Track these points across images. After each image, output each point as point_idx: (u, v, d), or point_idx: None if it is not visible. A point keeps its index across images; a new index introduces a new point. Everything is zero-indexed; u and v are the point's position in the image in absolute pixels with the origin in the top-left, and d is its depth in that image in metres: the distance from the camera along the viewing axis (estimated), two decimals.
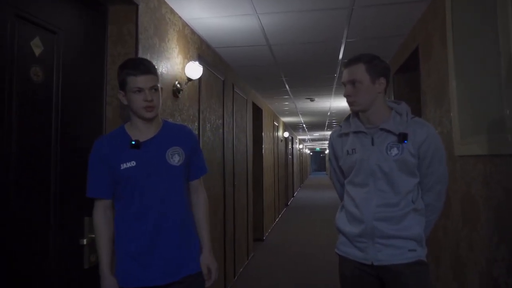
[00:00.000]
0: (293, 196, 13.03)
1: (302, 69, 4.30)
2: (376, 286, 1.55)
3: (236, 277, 4.25)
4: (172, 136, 1.56)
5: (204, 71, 3.06)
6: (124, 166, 1.45)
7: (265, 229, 6.54)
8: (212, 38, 3.12)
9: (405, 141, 1.50)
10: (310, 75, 4.58)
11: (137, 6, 1.97)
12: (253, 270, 4.70)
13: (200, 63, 2.77)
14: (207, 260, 1.61)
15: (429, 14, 2.52)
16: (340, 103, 6.67)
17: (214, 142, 3.40)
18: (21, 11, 1.40)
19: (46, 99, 1.54)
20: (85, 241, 1.70)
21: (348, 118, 1.69)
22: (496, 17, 1.56)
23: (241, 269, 4.53)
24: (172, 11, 2.46)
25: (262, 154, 6.42)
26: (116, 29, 1.97)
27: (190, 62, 2.60)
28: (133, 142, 1.47)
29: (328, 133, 10.55)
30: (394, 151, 1.51)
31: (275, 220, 7.95)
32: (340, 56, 3.70)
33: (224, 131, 3.75)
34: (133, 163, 1.46)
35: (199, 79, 2.90)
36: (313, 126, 11.68)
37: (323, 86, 5.33)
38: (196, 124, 2.90)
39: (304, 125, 11.26)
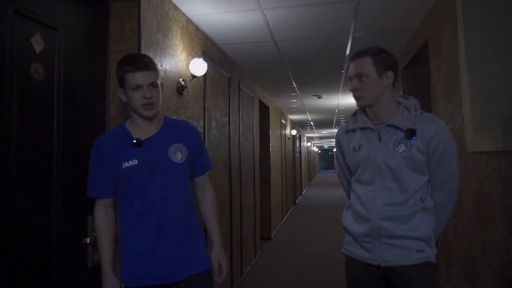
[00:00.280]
0: (301, 195, 12.97)
1: (309, 66, 4.24)
2: (383, 287, 1.51)
3: (243, 276, 4.23)
4: (174, 133, 1.53)
5: (209, 68, 3.03)
6: (126, 164, 1.43)
7: (273, 227, 6.50)
8: (217, 35, 3.09)
9: (413, 137, 1.45)
10: (317, 71, 4.52)
11: (139, 2, 1.95)
12: (260, 269, 4.67)
13: (204, 60, 2.74)
14: (218, 255, 1.59)
15: (439, 5, 2.45)
16: (348, 100, 6.59)
17: (220, 140, 3.37)
18: (21, 7, 1.39)
19: (48, 96, 1.52)
20: (88, 240, 1.68)
21: (355, 114, 1.64)
22: (509, 8, 1.49)
23: (248, 268, 4.50)
24: (175, 7, 2.43)
25: (269, 152, 6.38)
26: (119, 26, 1.94)
27: (195, 58, 2.57)
28: (135, 141, 1.45)
29: (336, 130, 10.45)
30: (402, 147, 1.46)
31: (282, 219, 7.91)
32: (347, 51, 3.64)
33: (230, 129, 3.71)
34: (135, 162, 1.43)
35: (204, 76, 2.87)
36: (321, 124, 11.60)
37: (330, 83, 5.26)
38: (201, 121, 2.87)
39: (312, 123, 11.19)
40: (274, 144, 6.92)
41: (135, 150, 1.45)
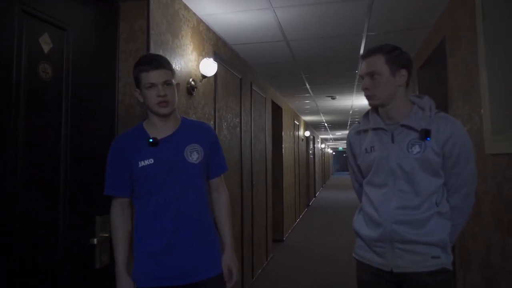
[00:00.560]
0: (314, 196, 12.85)
1: (322, 66, 4.18)
2: None
3: (254, 279, 4.19)
4: (191, 134, 1.53)
5: (220, 69, 3.01)
6: (142, 163, 1.44)
7: (285, 229, 6.44)
8: (228, 35, 3.07)
9: (428, 138, 1.39)
10: (330, 72, 4.46)
11: (148, 1, 1.94)
12: (272, 271, 4.62)
13: (215, 60, 2.72)
14: (229, 260, 1.57)
15: (456, 2, 2.37)
16: (362, 101, 6.48)
17: (231, 141, 3.35)
18: (29, 7, 1.39)
19: (55, 96, 1.52)
20: (95, 241, 1.68)
21: (367, 114, 1.59)
22: None
23: (259, 270, 4.46)
24: (186, 7, 2.42)
25: (282, 153, 6.33)
26: (128, 26, 1.94)
27: (205, 58, 2.56)
28: (151, 140, 1.45)
29: None
30: (416, 148, 1.40)
31: (295, 221, 7.84)
32: (361, 51, 3.56)
33: (242, 130, 3.69)
34: (151, 161, 1.44)
35: (215, 76, 2.86)
36: (335, 125, 11.48)
37: (344, 83, 5.18)
38: (212, 122, 2.85)
39: (326, 124, 11.08)
40: (287, 145, 6.86)
41: (151, 150, 1.45)
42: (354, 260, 1.56)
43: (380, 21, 2.83)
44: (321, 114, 8.60)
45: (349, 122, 10.43)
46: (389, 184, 1.44)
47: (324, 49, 3.50)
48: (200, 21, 2.67)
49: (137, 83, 1.46)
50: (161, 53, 2.06)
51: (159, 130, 1.49)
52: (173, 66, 2.21)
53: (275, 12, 2.60)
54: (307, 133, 9.92)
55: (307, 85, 5.22)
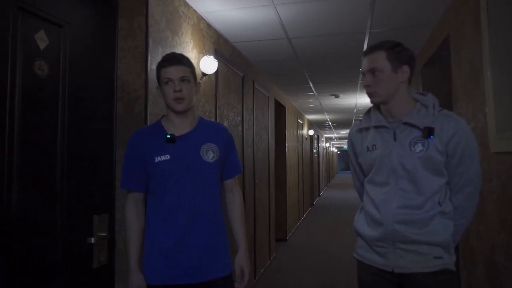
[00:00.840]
0: (319, 196, 12.81)
1: (325, 64, 4.15)
2: None
3: (256, 278, 4.17)
4: (207, 133, 1.54)
5: (222, 67, 2.99)
6: (158, 159, 1.45)
7: (289, 229, 6.41)
8: (229, 32, 3.04)
9: (431, 136, 1.35)
10: (333, 70, 4.42)
11: None
12: (274, 271, 4.60)
13: (216, 58, 2.69)
14: (242, 260, 1.57)
15: None
16: (366, 100, 6.41)
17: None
18: (24, 3, 1.37)
19: (52, 94, 1.50)
20: (93, 240, 1.66)
21: (368, 111, 1.56)
22: None
23: (262, 270, 4.44)
24: (186, 4, 2.40)
25: (285, 152, 6.29)
26: (127, 23, 1.92)
27: (205, 56, 2.54)
28: (169, 136, 1.47)
29: None
30: (419, 147, 1.37)
31: (299, 220, 7.81)
32: (364, 49, 3.52)
33: (244, 128, 3.66)
34: (167, 157, 1.45)
35: (216, 74, 2.83)
36: (340, 124, 11.42)
37: (348, 82, 5.14)
38: (213, 120, 2.83)
39: (330, 123, 11.03)
40: (290, 144, 6.83)
41: (168, 146, 1.47)
42: (355, 260, 1.54)
43: (383, 18, 2.79)
44: (325, 113, 8.55)
45: (353, 121, 10.38)
46: (390, 183, 1.41)
47: (327, 47, 3.47)
48: (200, 18, 2.65)
49: (158, 79, 1.50)
50: (160, 50, 2.04)
51: (176, 127, 1.50)
52: None
53: (276, 9, 2.57)
54: (311, 132, 9.88)
55: (310, 83, 5.18)
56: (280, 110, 6.08)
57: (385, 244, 1.39)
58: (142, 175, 1.49)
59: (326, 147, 18.01)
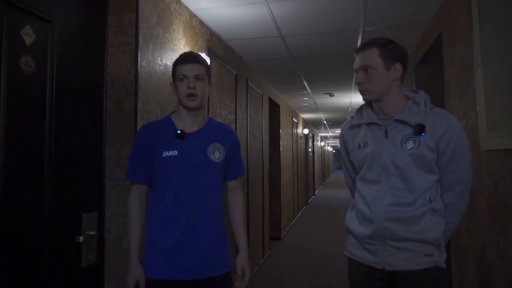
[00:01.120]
0: (314, 194, 12.83)
1: (319, 62, 4.14)
2: None
3: (250, 277, 4.15)
4: (215, 133, 1.57)
5: (215, 64, 2.97)
6: (165, 154, 1.47)
7: (283, 227, 6.41)
8: (222, 30, 3.02)
9: (422, 134, 1.35)
10: (328, 68, 4.41)
11: None
12: (268, 269, 4.59)
13: (209, 55, 2.67)
14: (243, 261, 1.59)
15: None
16: (360, 98, 6.38)
17: None
18: None
19: (39, 91, 1.48)
20: (81, 239, 1.64)
21: (360, 108, 1.56)
22: None
23: (256, 269, 4.43)
24: (177, 1, 2.38)
25: (279, 151, 6.29)
26: (117, 19, 1.90)
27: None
28: (179, 132, 1.49)
29: None
30: (410, 144, 1.37)
31: (294, 219, 7.81)
32: None
33: (237, 127, 3.65)
34: (175, 152, 1.46)
35: None
36: (335, 123, 11.43)
37: (342, 80, 5.14)
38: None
39: (325, 122, 11.04)
40: (285, 143, 6.82)
41: (176, 142, 1.48)
42: (346, 258, 1.53)
43: (376, 16, 2.78)
44: (320, 112, 8.56)
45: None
46: (382, 180, 1.41)
47: (321, 45, 3.46)
48: (193, 15, 2.62)
49: (173, 76, 1.53)
50: (150, 47, 2.02)
51: (186, 124, 1.52)
52: (164, 61, 2.18)
53: (269, 6, 2.56)
54: (306, 131, 9.88)
55: (304, 82, 5.17)
56: (274, 108, 6.07)
57: (376, 241, 1.39)
58: (148, 168, 1.50)
59: (321, 146, 18.04)
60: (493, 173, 1.79)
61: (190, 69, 1.48)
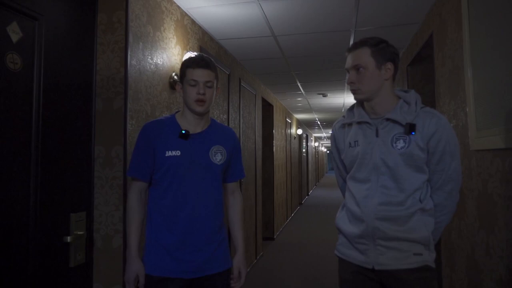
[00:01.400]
0: (307, 195, 12.84)
1: (312, 62, 4.14)
2: None
3: None
4: (217, 135, 1.58)
5: None
6: (169, 153, 1.48)
7: (276, 228, 6.41)
8: (214, 29, 3.01)
9: (413, 133, 1.35)
10: (320, 68, 4.42)
11: None
12: (261, 269, 4.58)
13: None
14: (240, 263, 1.62)
15: None
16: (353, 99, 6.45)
17: None
18: None
19: (26, 89, 1.45)
20: (69, 239, 1.62)
21: (352, 107, 1.56)
22: None
23: (249, 269, 4.42)
24: (169, 0, 2.36)
25: (273, 151, 6.28)
26: (106, 17, 1.88)
27: (188, 52, 2.50)
28: (183, 132, 1.49)
29: None
30: (400, 143, 1.37)
31: (287, 219, 7.81)
32: None
33: (230, 126, 3.63)
34: (178, 152, 1.48)
35: None
36: (329, 123, 11.46)
37: (335, 81, 5.15)
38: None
39: (319, 122, 11.06)
40: (278, 143, 6.82)
41: (180, 142, 1.49)
42: (336, 258, 1.53)
43: (368, 16, 2.79)
44: (314, 112, 8.57)
45: None
46: (372, 179, 1.40)
47: (313, 45, 3.46)
48: (184, 14, 2.61)
49: (181, 77, 1.52)
50: (140, 45, 2.00)
51: (190, 125, 1.53)
52: (154, 59, 2.16)
53: (261, 6, 2.55)
54: (300, 131, 9.89)
55: (298, 82, 5.18)
56: (268, 108, 6.06)
57: (366, 241, 1.38)
58: (150, 165, 1.51)
59: (315, 147, 18.07)
60: (482, 173, 1.80)
61: (201, 75, 1.47)
